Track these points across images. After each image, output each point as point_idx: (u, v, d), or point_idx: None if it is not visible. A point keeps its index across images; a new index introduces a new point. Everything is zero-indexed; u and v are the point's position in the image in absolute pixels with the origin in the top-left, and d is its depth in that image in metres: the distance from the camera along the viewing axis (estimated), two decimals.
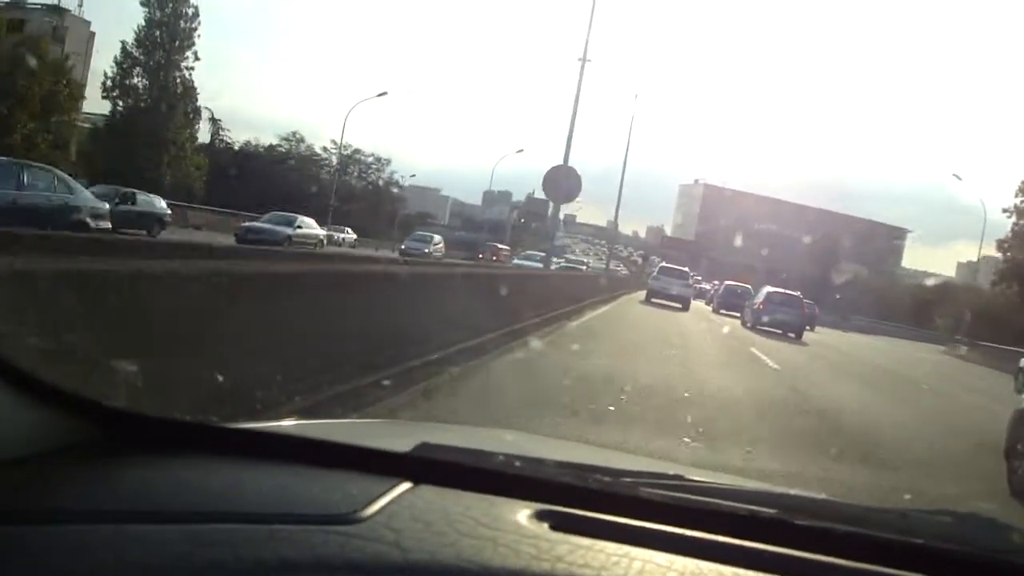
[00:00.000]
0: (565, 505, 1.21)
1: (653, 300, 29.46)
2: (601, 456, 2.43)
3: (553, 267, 29.73)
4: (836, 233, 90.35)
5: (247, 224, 27.87)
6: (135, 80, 45.25)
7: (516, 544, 1.09)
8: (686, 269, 34.23)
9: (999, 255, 57.72)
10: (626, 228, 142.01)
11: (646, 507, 1.22)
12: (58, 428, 1.28)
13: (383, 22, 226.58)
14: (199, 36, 46.23)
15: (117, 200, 21.21)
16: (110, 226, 15.52)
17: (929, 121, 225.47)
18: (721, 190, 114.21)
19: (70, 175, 17.46)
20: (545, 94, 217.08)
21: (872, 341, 38.29)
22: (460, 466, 1.32)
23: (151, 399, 2.21)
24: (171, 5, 44.91)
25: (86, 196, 15.61)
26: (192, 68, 46.58)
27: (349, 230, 40.50)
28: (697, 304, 35.80)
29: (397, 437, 1.78)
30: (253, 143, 62.64)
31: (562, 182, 18.17)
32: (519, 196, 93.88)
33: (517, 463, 1.36)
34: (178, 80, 45.79)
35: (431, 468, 1.29)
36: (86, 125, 44.83)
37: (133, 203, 23.20)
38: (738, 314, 29.20)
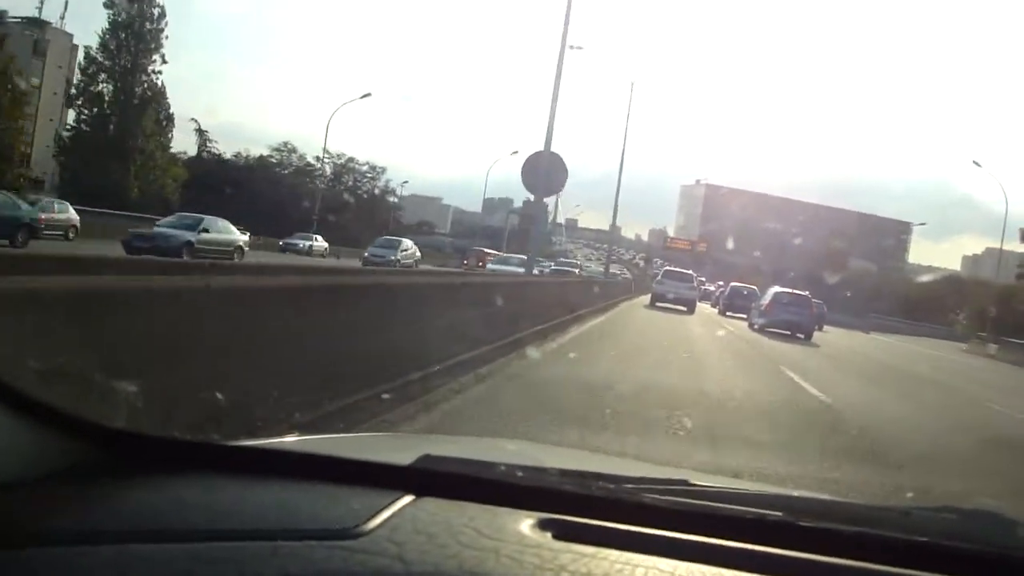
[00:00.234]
0: (568, 513, 1.22)
1: (658, 304, 28.91)
2: (604, 463, 2.43)
3: (539, 271, 26.17)
4: (842, 230, 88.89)
5: (136, 230, 22.31)
6: (100, 87, 42.57)
7: (519, 554, 1.09)
8: (690, 272, 33.59)
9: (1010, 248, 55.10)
10: (628, 232, 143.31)
11: (649, 513, 1.22)
12: (59, 450, 1.29)
13: (381, 30, 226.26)
14: (167, 38, 43.68)
15: None
16: None
17: (928, 115, 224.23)
18: (722, 190, 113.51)
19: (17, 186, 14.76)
20: (541, 99, 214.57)
21: (902, 344, 35.22)
22: (462, 477, 1.33)
23: (151, 418, 2.34)
24: (136, 5, 42.17)
25: None
26: (160, 72, 44.00)
27: (319, 238, 37.46)
28: (702, 307, 34.93)
29: (398, 450, 1.76)
30: (244, 154, 60.94)
31: (543, 172, 15.32)
32: (520, 202, 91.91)
33: (519, 473, 1.37)
34: (145, 85, 43.07)
35: (433, 480, 1.30)
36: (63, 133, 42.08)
37: None
38: (744, 315, 28.24)
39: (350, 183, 68.16)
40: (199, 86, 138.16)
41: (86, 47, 42.57)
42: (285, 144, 63.33)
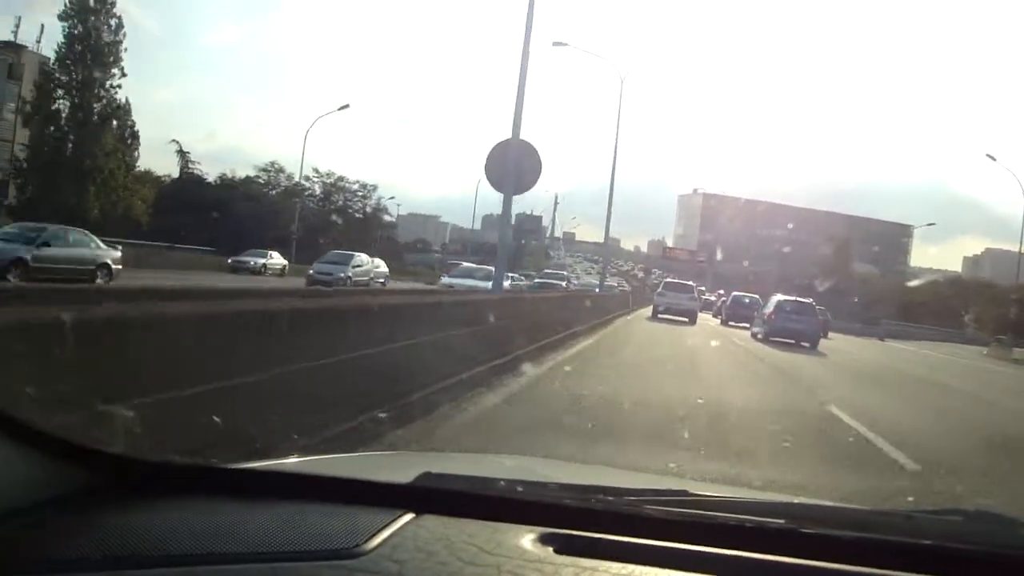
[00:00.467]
0: (569, 527, 1.21)
1: (660, 316, 28.68)
2: (604, 476, 2.39)
3: (510, 284, 22.53)
4: (844, 235, 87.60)
5: None
6: (58, 104, 39.80)
7: (520, 570, 1.08)
8: (691, 283, 33.18)
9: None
10: (627, 244, 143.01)
11: (651, 525, 1.21)
12: (58, 476, 1.28)
13: (380, 50, 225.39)
14: (125, 50, 40.80)
15: None
16: None
17: (924, 115, 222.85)
18: (720, 198, 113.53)
19: None
20: (538, 114, 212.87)
21: (926, 352, 32.14)
22: (462, 494, 1.32)
23: (150, 443, 2.22)
24: (92, 17, 39.46)
25: None
26: (119, 86, 41.12)
27: (275, 255, 33.83)
28: (704, 317, 34.18)
29: (398, 469, 1.69)
30: (229, 175, 58.63)
31: (512, 164, 12.41)
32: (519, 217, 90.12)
33: (519, 488, 1.36)
34: (104, 100, 40.29)
35: (433, 498, 1.29)
36: None
37: None
38: (747, 325, 27.60)
39: (340, 202, 66.77)
40: (198, 111, 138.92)
41: (40, 62, 39.83)
42: (272, 164, 61.14)
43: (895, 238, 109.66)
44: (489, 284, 18.27)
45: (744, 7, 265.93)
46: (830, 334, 31.12)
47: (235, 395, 3.87)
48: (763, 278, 68.64)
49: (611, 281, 75.33)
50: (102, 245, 19.71)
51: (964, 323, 62.80)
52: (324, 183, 64.82)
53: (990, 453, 7.55)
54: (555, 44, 33.50)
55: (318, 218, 61.18)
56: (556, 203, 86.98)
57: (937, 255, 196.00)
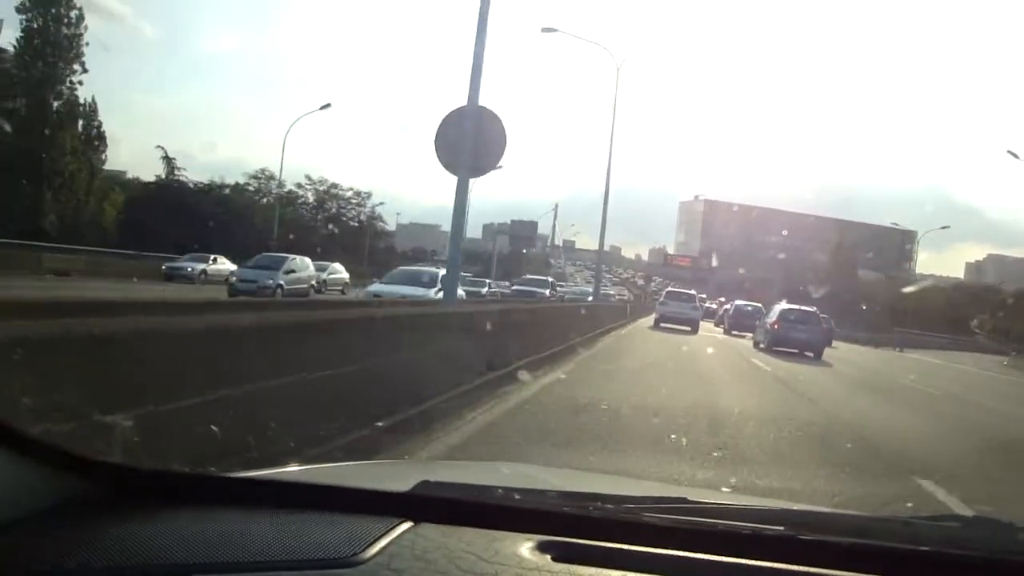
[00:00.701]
0: (567, 535, 1.20)
1: (662, 325, 28.57)
2: (602, 483, 2.37)
3: (464, 292, 17.73)
4: (848, 241, 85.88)
5: None
6: (15, 102, 36.99)
7: None
8: (692, 292, 32.91)
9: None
10: (628, 252, 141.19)
11: (649, 532, 1.20)
12: (58, 486, 1.27)
13: (380, 60, 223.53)
14: (87, 44, 38.08)
15: None
16: None
17: (923, 123, 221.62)
18: (721, 205, 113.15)
19: None
20: (537, 115, 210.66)
21: (951, 365, 29.28)
22: (460, 502, 1.31)
23: (148, 452, 2.28)
24: (52, 9, 36.74)
25: None
26: (80, 83, 38.36)
27: (222, 260, 30.37)
28: (706, 326, 33.71)
29: (396, 477, 1.72)
30: (218, 181, 56.27)
31: (468, 137, 9.44)
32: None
33: (517, 496, 1.36)
34: (65, 97, 37.57)
35: (431, 506, 1.28)
36: None
37: None
38: (751, 334, 26.78)
39: (334, 210, 65.93)
40: (200, 120, 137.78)
41: None
42: (263, 171, 59.31)
43: (900, 244, 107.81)
44: (430, 292, 15.61)
45: (745, 7, 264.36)
46: (834, 343, 29.07)
47: None
48: (765, 285, 67.21)
49: (611, 289, 72.64)
50: None
51: (972, 330, 60.90)
52: (317, 190, 63.98)
53: None
54: (544, 30, 30.83)
55: (310, 225, 59.87)
56: (556, 212, 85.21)
57: (939, 261, 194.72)
